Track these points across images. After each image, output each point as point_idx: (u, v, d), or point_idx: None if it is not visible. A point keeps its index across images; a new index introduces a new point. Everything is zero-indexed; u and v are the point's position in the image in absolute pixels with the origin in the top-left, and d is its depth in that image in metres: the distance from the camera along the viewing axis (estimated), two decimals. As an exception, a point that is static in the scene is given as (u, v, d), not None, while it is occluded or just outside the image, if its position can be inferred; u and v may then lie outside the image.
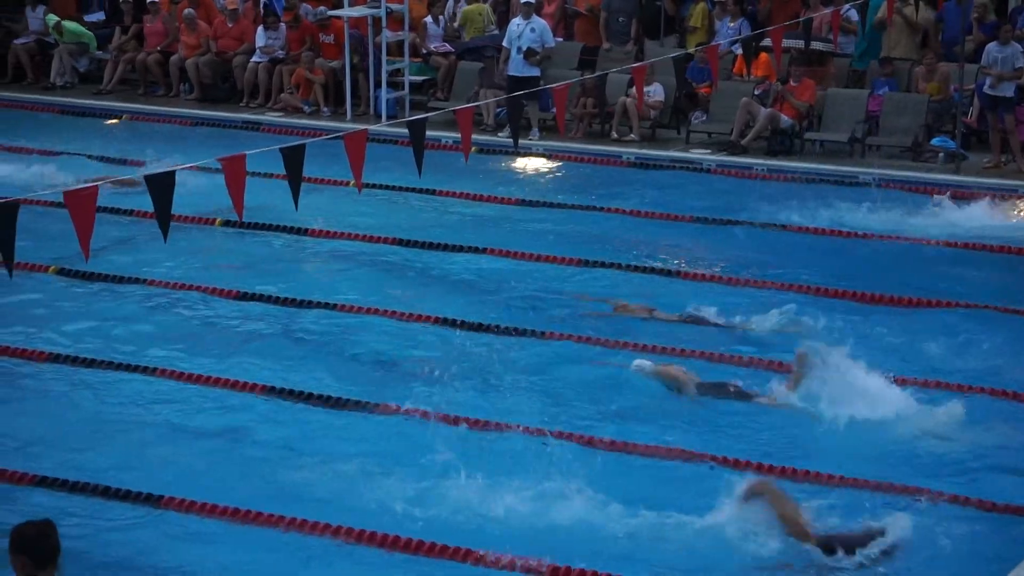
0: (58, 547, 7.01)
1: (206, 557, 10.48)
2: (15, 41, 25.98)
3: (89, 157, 21.28)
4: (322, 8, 24.58)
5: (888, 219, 18.31)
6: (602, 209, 18.97)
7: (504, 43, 22.77)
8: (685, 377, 12.94)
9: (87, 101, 24.74)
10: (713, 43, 21.24)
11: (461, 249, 17.15)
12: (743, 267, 16.62)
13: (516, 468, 11.30)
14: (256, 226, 17.50)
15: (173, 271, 16.17)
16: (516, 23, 22.56)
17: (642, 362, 13.16)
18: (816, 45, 22.22)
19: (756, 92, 21.73)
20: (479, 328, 14.69)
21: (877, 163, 20.57)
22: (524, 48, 22.13)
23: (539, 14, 23.46)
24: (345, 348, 14.37)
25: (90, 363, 13.70)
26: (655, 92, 22.16)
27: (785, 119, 21.30)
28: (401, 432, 12.24)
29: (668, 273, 16.56)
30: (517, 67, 22.23)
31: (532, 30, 22.31)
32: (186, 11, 24.92)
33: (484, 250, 17.12)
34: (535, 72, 22.13)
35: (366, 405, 12.82)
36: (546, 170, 21.47)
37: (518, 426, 12.19)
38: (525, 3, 22.69)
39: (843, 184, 19.91)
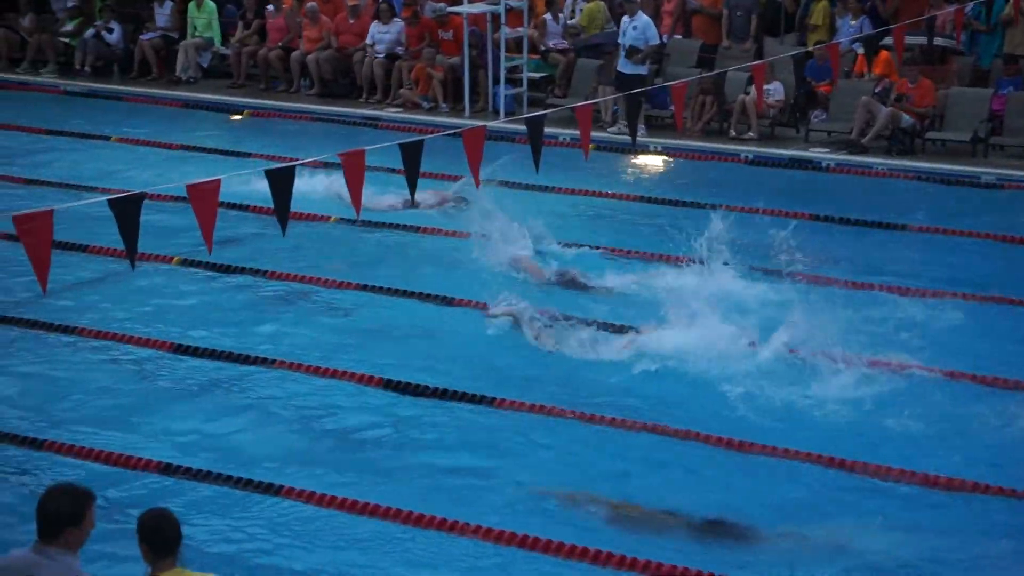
0: (175, 537, 7.14)
1: (320, 548, 10.61)
2: (142, 36, 26.41)
3: (212, 151, 21.61)
4: (441, 4, 24.70)
5: (1010, 221, 18.08)
6: (719, 207, 18.87)
7: (619, 39, 22.77)
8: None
9: (210, 96, 25.08)
10: (834, 41, 21.07)
11: (579, 247, 17.16)
12: (861, 269, 16.47)
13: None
14: (371, 224, 17.61)
15: (291, 265, 16.34)
16: (624, 20, 22.53)
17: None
18: (938, 43, 21.94)
19: (876, 91, 21.52)
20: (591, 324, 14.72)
21: (1000, 163, 20.30)
22: (627, 46, 22.10)
23: (657, 12, 23.39)
24: (464, 342, 14.44)
25: (212, 354, 13.90)
26: (775, 90, 22.02)
27: (906, 118, 21.06)
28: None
29: (783, 274, 16.43)
30: (624, 64, 22.22)
31: (635, 28, 22.25)
32: (309, 4, 25.16)
33: (598, 247, 17.11)
34: (641, 70, 22.08)
35: (484, 400, 12.89)
36: (664, 168, 21.42)
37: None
38: (626, 1, 22.63)
39: (964, 184, 19.67)
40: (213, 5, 26.11)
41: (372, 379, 13.29)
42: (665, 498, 10.98)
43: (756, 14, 23.83)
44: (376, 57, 24.46)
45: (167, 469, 11.53)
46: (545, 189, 19.18)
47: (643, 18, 22.40)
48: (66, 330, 14.44)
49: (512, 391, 12.92)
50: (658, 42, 22.82)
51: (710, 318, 14.19)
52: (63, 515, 7.01)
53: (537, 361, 13.77)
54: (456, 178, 18.42)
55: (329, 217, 17.87)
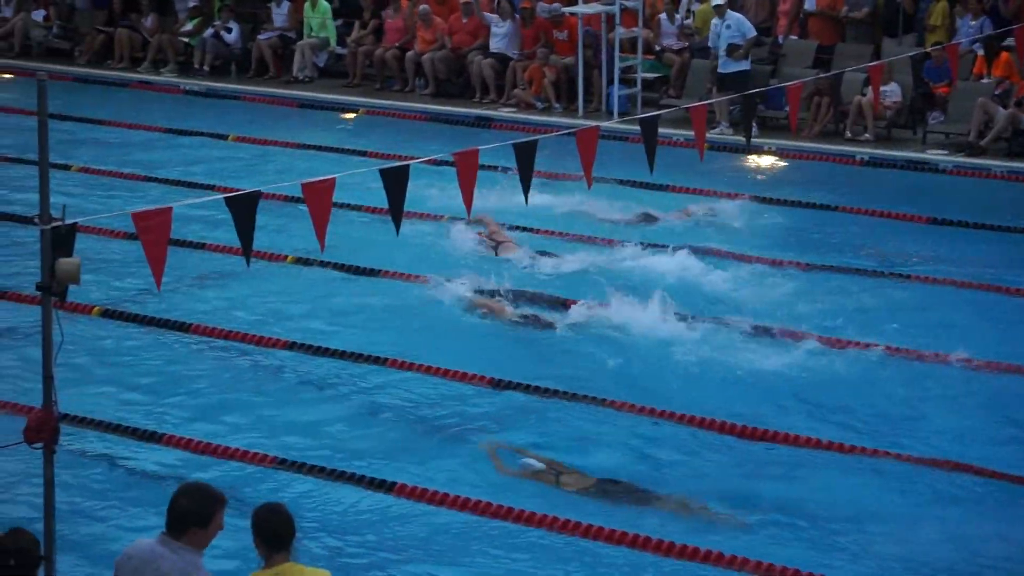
0: (289, 532, 7.20)
1: (441, 544, 10.67)
2: (260, 36, 26.68)
3: (326, 150, 21.78)
4: (556, 4, 24.71)
5: None
6: (834, 208, 18.73)
7: (709, 44, 22.66)
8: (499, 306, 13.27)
9: (326, 95, 25.28)
10: (953, 41, 20.79)
11: (692, 250, 17.10)
12: (980, 272, 16.25)
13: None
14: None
15: (404, 264, 16.41)
16: (715, 24, 22.41)
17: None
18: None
19: (996, 93, 21.19)
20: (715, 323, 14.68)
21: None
22: (726, 46, 21.99)
23: (773, 13, 23.25)
24: (577, 344, 14.45)
25: (326, 352, 14.01)
26: (892, 91, 21.77)
27: (1026, 120, 20.75)
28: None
29: (899, 277, 16.27)
30: (725, 64, 22.10)
31: (728, 27, 22.13)
32: (421, 7, 25.29)
33: (715, 251, 17.03)
34: (744, 66, 21.97)
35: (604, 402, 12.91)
36: (778, 169, 21.27)
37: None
38: (715, 5, 22.47)
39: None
40: (327, 5, 26.31)
41: (481, 378, 13.34)
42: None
43: (874, 14, 23.58)
44: (491, 57, 24.50)
45: (282, 463, 11.65)
46: (659, 189, 19.11)
47: (734, 15, 22.32)
48: (181, 327, 14.62)
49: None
50: (755, 34, 22.65)
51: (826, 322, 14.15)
52: (191, 514, 7.09)
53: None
54: (570, 177, 18.34)
55: (443, 216, 17.93)
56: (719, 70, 22.27)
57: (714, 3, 22.45)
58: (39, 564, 7.31)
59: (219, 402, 13.03)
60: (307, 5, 26.33)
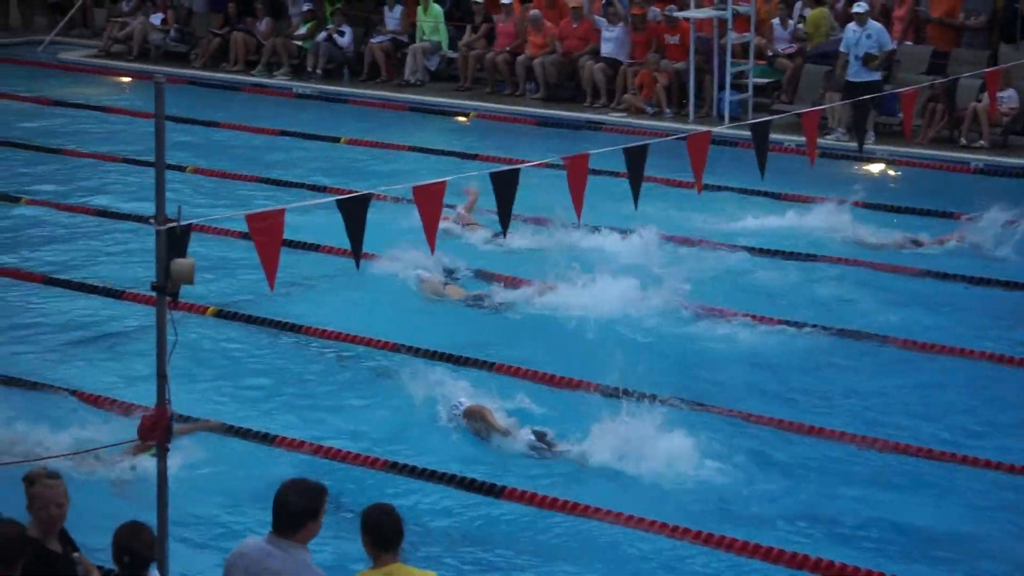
0: (397, 533, 7.25)
1: (541, 547, 10.70)
2: (372, 40, 26.88)
3: (437, 153, 21.89)
4: (671, 7, 24.65)
5: None
6: (948, 215, 18.51)
7: (841, 48, 22.42)
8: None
9: (437, 98, 25.39)
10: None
11: (798, 256, 16.99)
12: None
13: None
14: (598, 227, 17.62)
15: (518, 268, 16.45)
16: (852, 29, 22.14)
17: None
18: None
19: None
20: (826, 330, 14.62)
21: None
22: (862, 55, 21.74)
23: (888, 18, 22.99)
24: (699, 349, 14.43)
25: (439, 356, 14.06)
26: (1008, 98, 21.48)
27: None
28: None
29: (1011, 285, 16.06)
30: (857, 73, 21.85)
31: (868, 36, 21.86)
32: (532, 12, 25.34)
33: (823, 257, 16.90)
34: (875, 76, 21.72)
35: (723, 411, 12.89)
36: (890, 175, 21.05)
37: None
38: (855, 12, 22.24)
39: None
40: (439, 9, 26.44)
41: (591, 385, 13.35)
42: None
43: (991, 20, 23.28)
44: (602, 61, 24.49)
45: (393, 467, 11.72)
46: (770, 195, 19.00)
47: (875, 25, 22.03)
48: (292, 328, 14.76)
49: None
50: (893, 47, 22.44)
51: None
52: (302, 509, 7.18)
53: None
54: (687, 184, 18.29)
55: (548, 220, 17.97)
56: (849, 78, 21.99)
57: (855, 9, 22.20)
58: (151, 563, 7.43)
59: (331, 405, 13.12)
60: (420, 9, 26.49)
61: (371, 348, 14.29)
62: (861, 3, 22.09)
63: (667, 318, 15.03)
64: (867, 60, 21.69)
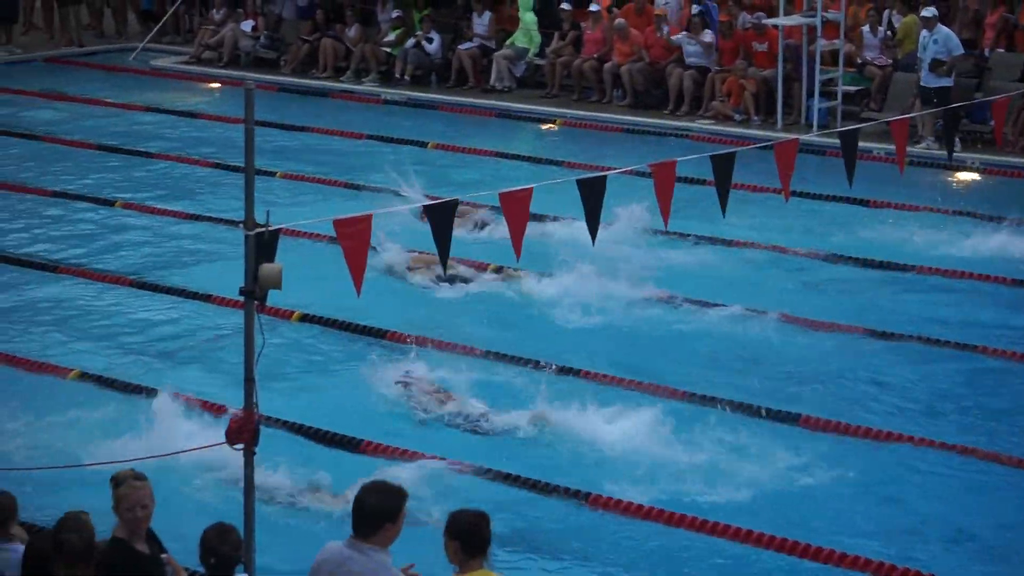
0: (488, 539, 7.23)
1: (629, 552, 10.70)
2: (460, 46, 26.95)
3: (524, 159, 21.88)
4: (760, 13, 24.53)
5: None
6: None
7: (919, 54, 22.25)
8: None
9: (523, 105, 25.43)
10: None
11: (890, 266, 16.86)
12: None
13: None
14: (680, 235, 17.59)
15: (603, 272, 16.44)
16: (924, 35, 21.97)
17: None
18: None
19: None
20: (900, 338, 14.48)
21: None
22: (930, 59, 21.55)
23: (979, 25, 22.75)
24: (765, 357, 14.36)
25: (524, 362, 14.11)
26: (1102, 106, 21.21)
27: None
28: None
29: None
30: (927, 79, 21.67)
31: (935, 41, 21.64)
32: (618, 20, 25.31)
33: (913, 268, 16.77)
34: (946, 82, 21.49)
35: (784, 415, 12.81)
36: (981, 184, 20.82)
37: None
38: (924, 17, 22.01)
39: None
40: (532, 16, 26.46)
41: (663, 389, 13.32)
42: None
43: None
44: (690, 68, 24.41)
45: (479, 471, 11.75)
46: (858, 203, 18.86)
47: (943, 30, 21.82)
48: (377, 333, 14.83)
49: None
50: (961, 52, 22.17)
51: None
52: (383, 511, 7.19)
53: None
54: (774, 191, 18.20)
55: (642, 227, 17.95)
56: (921, 83, 21.85)
57: (923, 14, 22.02)
58: (238, 565, 7.49)
59: (411, 409, 13.17)
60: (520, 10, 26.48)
61: (453, 354, 14.34)
62: (930, 8, 21.92)
63: (754, 326, 15.02)
64: (934, 66, 21.47)
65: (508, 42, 26.53)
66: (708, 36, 24.61)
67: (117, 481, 7.85)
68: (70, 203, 19.66)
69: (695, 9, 25.11)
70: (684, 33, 24.74)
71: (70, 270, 16.85)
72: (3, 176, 20.94)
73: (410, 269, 16.45)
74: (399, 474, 10.91)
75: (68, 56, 29.54)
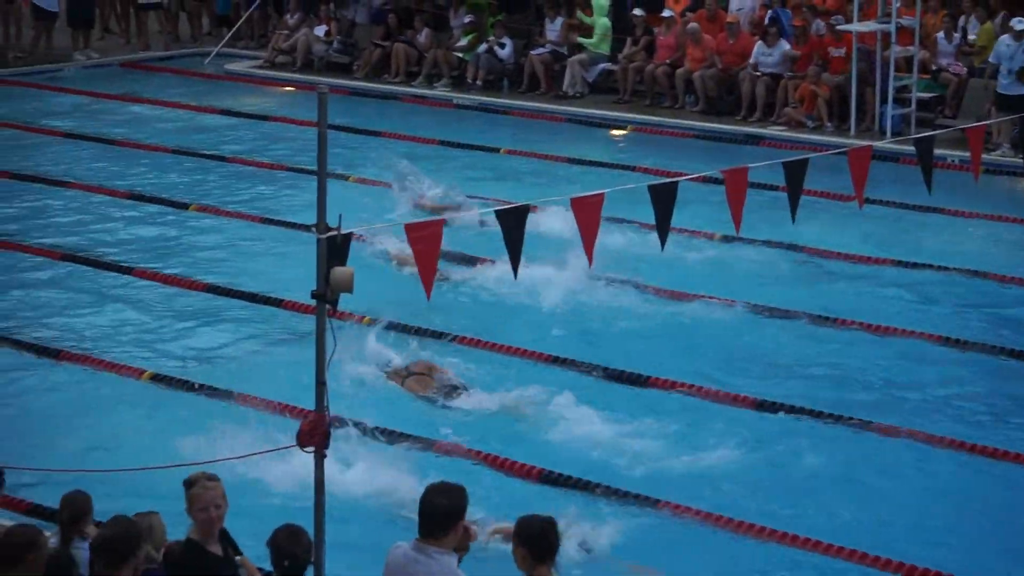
0: (556, 545, 7.24)
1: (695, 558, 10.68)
2: (532, 51, 26.97)
3: (595, 164, 21.88)
4: (837, 17, 24.38)
5: None
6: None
7: (991, 58, 22.01)
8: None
9: (595, 110, 25.39)
10: None
11: (965, 274, 16.73)
12: None
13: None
14: (752, 241, 17.54)
15: (669, 279, 16.42)
16: (1006, 42, 21.75)
17: None
18: None
19: None
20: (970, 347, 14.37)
21: None
22: (1015, 69, 21.33)
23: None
24: (844, 366, 14.29)
25: (580, 366, 14.09)
26: None
27: None
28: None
29: None
30: (1008, 86, 21.45)
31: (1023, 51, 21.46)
32: (690, 25, 25.23)
33: (987, 275, 16.63)
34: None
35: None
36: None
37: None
38: (1015, 28, 21.75)
39: None
40: (606, 21, 26.44)
41: (747, 400, 13.26)
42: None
43: None
44: (761, 74, 24.31)
45: (547, 478, 11.75)
46: (932, 210, 18.70)
47: None
48: (444, 336, 14.83)
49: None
50: None
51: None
52: (450, 511, 7.22)
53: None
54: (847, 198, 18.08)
55: (714, 234, 17.88)
56: (1000, 90, 21.64)
57: (1018, 28, 21.75)
58: (307, 567, 7.52)
59: (486, 413, 13.18)
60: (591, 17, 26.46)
61: (526, 359, 14.33)
62: (1020, 19, 21.70)
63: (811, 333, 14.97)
64: (1021, 75, 21.28)
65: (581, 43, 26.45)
66: (784, 46, 24.49)
67: (190, 483, 7.91)
68: (144, 206, 19.84)
69: (768, 16, 25.00)
70: (760, 43, 24.62)
71: (144, 272, 16.99)
72: (79, 178, 21.16)
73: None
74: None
75: (144, 60, 29.84)
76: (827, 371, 14.20)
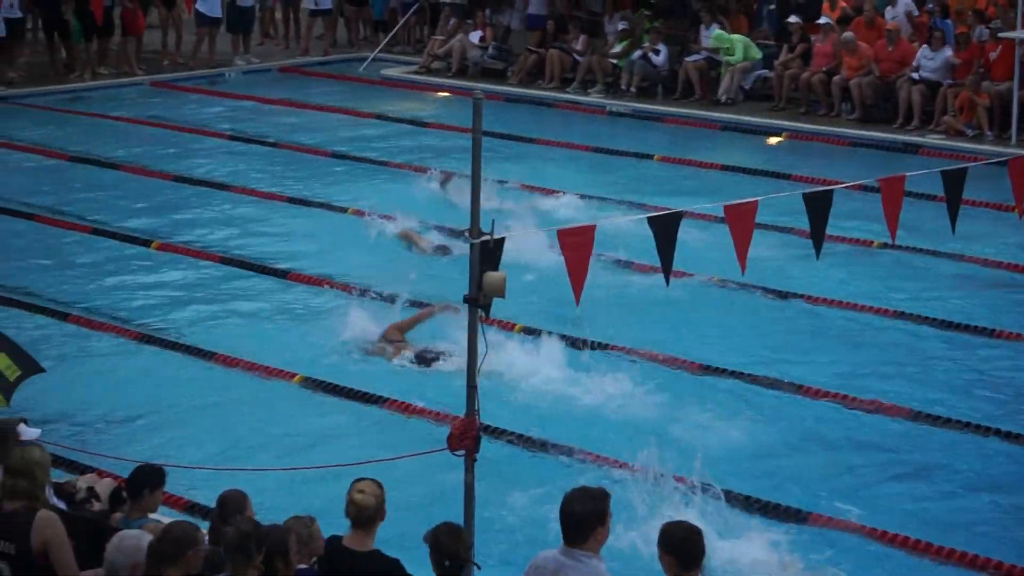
0: (702, 553, 7.20)
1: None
2: (687, 58, 26.87)
3: (750, 172, 21.73)
4: (996, 21, 23.93)
5: None
6: None
7: None
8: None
9: (750, 117, 25.22)
10: None
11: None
12: None
13: None
14: (912, 249, 17.28)
15: (827, 288, 16.24)
16: None
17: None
18: None
19: None
20: None
21: None
22: None
23: None
24: (991, 375, 14.07)
25: (740, 376, 14.03)
26: None
27: None
28: None
29: None
30: None
31: None
32: (846, 34, 24.97)
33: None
34: None
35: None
36: None
37: None
38: None
39: None
40: (741, 37, 26.26)
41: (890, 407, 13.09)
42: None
43: None
44: (916, 79, 23.94)
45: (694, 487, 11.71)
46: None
47: None
48: (596, 345, 14.76)
49: None
50: None
51: None
52: (592, 515, 7.23)
53: None
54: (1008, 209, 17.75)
55: (872, 242, 17.68)
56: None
57: None
58: (464, 567, 7.56)
59: (626, 419, 13.15)
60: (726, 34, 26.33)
61: (667, 366, 14.27)
62: None
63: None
64: None
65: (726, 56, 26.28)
66: (947, 51, 24.11)
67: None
68: (304, 208, 20.11)
69: (930, 24, 24.66)
70: (924, 47, 24.26)
71: (300, 277, 17.18)
72: (238, 181, 21.50)
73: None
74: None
75: (302, 65, 30.27)
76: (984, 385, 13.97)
